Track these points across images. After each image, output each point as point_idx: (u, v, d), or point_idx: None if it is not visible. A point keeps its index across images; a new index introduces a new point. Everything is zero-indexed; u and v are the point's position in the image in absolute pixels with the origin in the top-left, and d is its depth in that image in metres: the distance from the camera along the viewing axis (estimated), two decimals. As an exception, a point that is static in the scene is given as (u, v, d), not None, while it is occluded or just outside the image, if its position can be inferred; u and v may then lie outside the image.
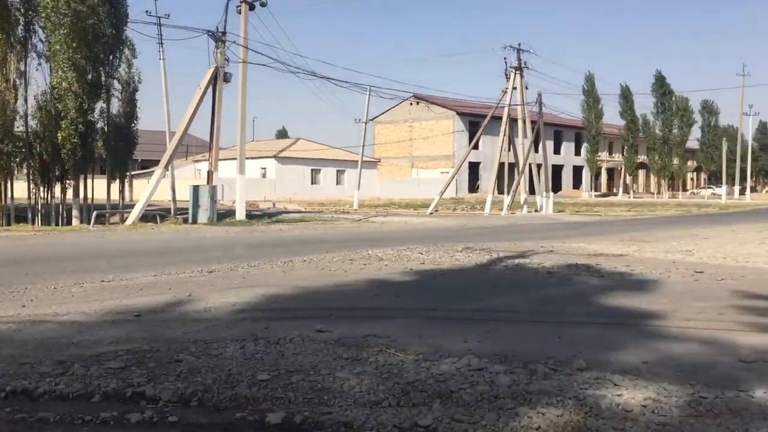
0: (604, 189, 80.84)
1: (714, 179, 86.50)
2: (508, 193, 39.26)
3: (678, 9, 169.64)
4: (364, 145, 46.74)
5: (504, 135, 38.11)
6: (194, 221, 24.92)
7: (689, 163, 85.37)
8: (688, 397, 4.41)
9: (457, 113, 66.86)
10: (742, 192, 69.29)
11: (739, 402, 4.27)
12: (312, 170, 58.66)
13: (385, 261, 12.64)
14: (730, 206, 51.23)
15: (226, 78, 25.84)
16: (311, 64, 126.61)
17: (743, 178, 70.91)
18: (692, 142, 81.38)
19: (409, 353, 5.61)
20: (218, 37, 25.53)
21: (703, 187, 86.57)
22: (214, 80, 25.62)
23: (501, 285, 10.08)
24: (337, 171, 60.34)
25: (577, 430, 3.88)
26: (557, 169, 73.63)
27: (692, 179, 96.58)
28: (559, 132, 76.20)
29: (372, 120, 60.78)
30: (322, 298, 8.68)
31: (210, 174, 26.39)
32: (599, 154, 76.17)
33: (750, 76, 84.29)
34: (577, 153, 79.25)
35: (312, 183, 58.53)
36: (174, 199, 30.23)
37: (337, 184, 59.97)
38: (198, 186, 26.20)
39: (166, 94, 30.49)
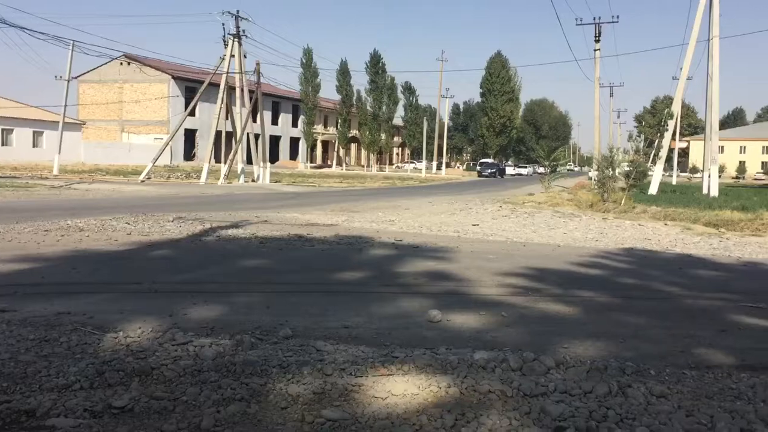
0: (319, 161, 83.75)
1: (416, 155, 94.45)
2: (225, 163, 38.76)
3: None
4: (66, 105, 42.59)
5: (222, 103, 37.48)
6: None
7: (395, 138, 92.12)
8: (383, 357, 4.73)
9: (173, 77, 64.05)
10: (439, 167, 76.53)
11: (424, 359, 4.68)
12: (3, 130, 52.14)
13: (86, 232, 11.71)
14: (428, 180, 56.40)
15: None
16: (2, 11, 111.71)
17: (440, 154, 78.24)
18: (398, 120, 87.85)
19: (107, 330, 5.25)
20: None
21: (407, 162, 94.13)
22: None
23: (212, 256, 9.90)
24: (34, 132, 54.37)
25: (279, 397, 3.95)
26: (275, 140, 74.57)
27: (398, 154, 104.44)
28: (277, 103, 77.05)
29: (76, 78, 55.62)
30: (8, 273, 7.76)
31: None
32: (315, 126, 78.68)
33: (447, 62, 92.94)
34: (295, 125, 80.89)
35: (3, 144, 52.07)
36: None
37: (33, 146, 54.07)
38: None
39: None
